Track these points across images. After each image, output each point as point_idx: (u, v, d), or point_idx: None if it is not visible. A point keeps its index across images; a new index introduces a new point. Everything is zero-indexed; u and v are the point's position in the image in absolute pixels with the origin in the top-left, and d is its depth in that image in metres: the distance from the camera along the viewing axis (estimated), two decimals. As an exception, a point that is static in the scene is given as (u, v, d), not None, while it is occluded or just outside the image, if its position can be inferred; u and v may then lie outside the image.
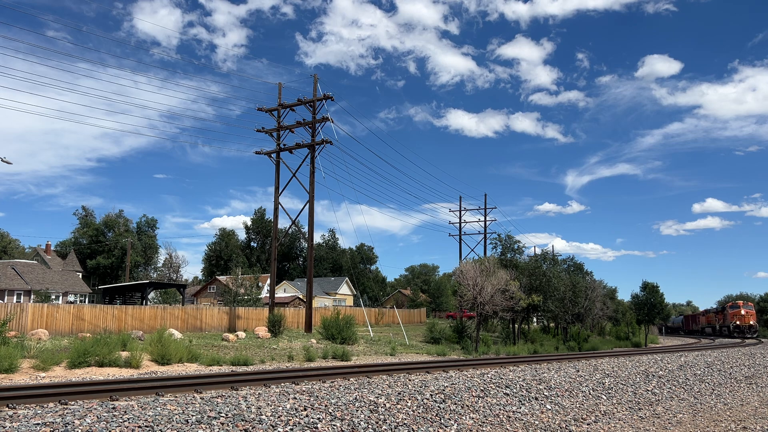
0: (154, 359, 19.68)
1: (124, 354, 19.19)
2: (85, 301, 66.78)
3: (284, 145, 36.94)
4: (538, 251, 58.53)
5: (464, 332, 37.73)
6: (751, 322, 65.61)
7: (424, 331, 41.37)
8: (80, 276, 76.75)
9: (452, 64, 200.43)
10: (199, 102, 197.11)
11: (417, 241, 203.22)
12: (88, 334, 24.82)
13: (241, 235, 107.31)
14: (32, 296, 59.04)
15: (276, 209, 37.71)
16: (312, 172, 35.62)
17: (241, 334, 31.52)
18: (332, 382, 13.29)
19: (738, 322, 65.97)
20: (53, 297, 61.00)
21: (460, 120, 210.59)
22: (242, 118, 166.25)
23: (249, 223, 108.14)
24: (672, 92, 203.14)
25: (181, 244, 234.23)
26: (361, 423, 9.35)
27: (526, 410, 12.16)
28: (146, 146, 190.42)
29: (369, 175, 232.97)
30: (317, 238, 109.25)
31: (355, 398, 10.57)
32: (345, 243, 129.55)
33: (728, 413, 14.64)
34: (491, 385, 13.42)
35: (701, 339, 66.44)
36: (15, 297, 59.02)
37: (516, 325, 42.92)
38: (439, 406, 11.04)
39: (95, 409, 8.61)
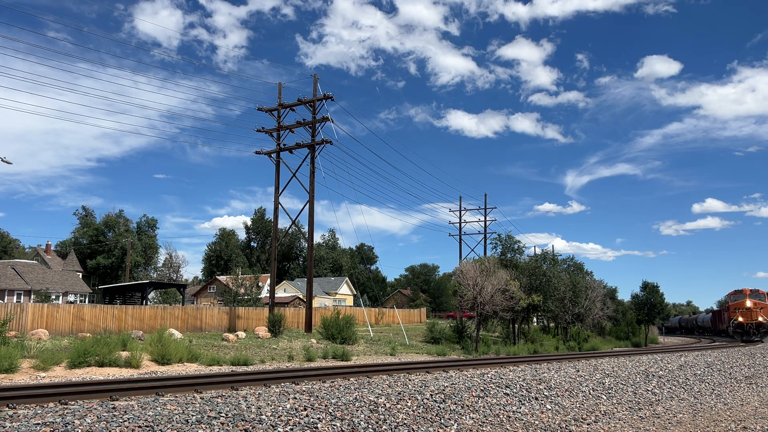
0: (154, 359, 19.67)
1: (124, 354, 19.18)
2: (85, 301, 66.78)
3: (284, 145, 36.94)
4: (538, 251, 58.55)
5: (464, 332, 37.72)
6: (761, 319, 48.24)
7: (424, 331, 41.37)
8: (80, 276, 76.75)
9: (452, 64, 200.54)
10: (199, 102, 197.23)
11: (417, 241, 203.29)
12: (88, 334, 24.81)
13: (241, 235, 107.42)
14: (32, 296, 59.04)
15: (276, 209, 37.71)
16: (312, 172, 35.63)
17: (241, 334, 31.51)
18: (332, 382, 13.29)
19: (741, 319, 49.07)
20: (53, 297, 61.00)
21: (460, 120, 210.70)
22: (242, 118, 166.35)
23: (249, 223, 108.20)
24: (671, 93, 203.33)
25: (181, 244, 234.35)
26: (361, 423, 9.34)
27: (526, 410, 12.16)
28: (146, 146, 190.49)
29: (369, 175, 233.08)
30: (317, 238, 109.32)
31: (355, 398, 10.56)
32: (345, 243, 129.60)
33: (728, 413, 14.64)
34: (491, 385, 13.42)
35: (701, 339, 63.94)
36: (15, 297, 59.02)
37: (516, 325, 42.91)
38: (439, 406, 11.03)
39: (95, 409, 8.60)
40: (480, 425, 10.74)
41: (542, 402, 12.94)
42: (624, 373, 17.61)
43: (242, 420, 8.48)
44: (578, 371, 17.05)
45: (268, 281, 68.13)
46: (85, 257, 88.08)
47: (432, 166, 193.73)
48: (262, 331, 33.26)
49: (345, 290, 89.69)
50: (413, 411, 10.48)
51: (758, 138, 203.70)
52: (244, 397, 10.22)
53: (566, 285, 45.18)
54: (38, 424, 7.51)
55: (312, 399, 10.19)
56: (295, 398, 10.21)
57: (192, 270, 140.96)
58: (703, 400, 16.15)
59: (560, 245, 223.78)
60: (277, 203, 37.51)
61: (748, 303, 49.18)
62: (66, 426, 7.46)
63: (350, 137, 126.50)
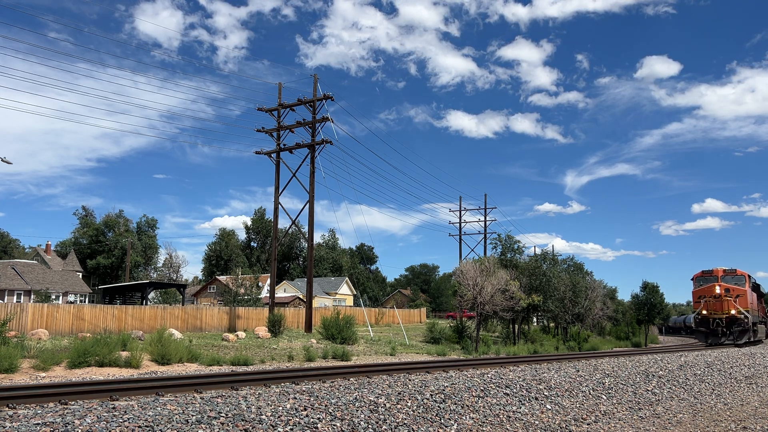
0: (154, 359, 19.67)
1: (124, 354, 19.18)
2: (85, 301, 66.77)
3: (284, 145, 36.95)
4: (538, 251, 58.54)
5: (464, 332, 37.72)
6: (734, 312, 34.78)
7: (424, 331, 41.37)
8: (80, 276, 76.76)
9: (453, 65, 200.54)
10: (199, 102, 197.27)
11: (417, 241, 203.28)
12: (88, 334, 24.81)
13: (241, 235, 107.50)
14: (32, 296, 59.04)
15: (276, 209, 37.70)
16: (312, 172, 35.63)
17: (241, 334, 31.52)
18: (332, 382, 13.28)
19: (705, 312, 35.97)
20: (53, 297, 60.99)
21: (460, 121, 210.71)
22: (242, 118, 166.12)
23: (249, 223, 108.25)
24: (671, 93, 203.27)
25: (181, 244, 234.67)
26: (361, 423, 9.34)
27: (526, 410, 12.15)
28: (146, 146, 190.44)
29: (369, 175, 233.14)
30: (317, 238, 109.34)
31: (355, 398, 10.55)
32: (345, 243, 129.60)
33: (728, 413, 14.64)
34: (491, 385, 13.41)
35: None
36: (15, 297, 59.02)
37: (516, 325, 42.91)
38: (439, 406, 11.03)
39: (95, 409, 8.60)
40: (480, 425, 10.73)
41: (542, 402, 12.94)
42: (624, 373, 17.60)
43: (242, 420, 8.48)
44: (578, 371, 17.05)
45: (268, 281, 68.13)
46: (85, 257, 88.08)
47: (432, 166, 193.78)
48: (262, 331, 33.26)
49: (345, 290, 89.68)
50: (413, 411, 10.48)
51: (758, 138, 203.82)
52: (244, 397, 10.22)
53: (566, 285, 45.17)
54: (38, 424, 7.51)
55: (312, 399, 10.18)
56: (295, 398, 10.20)
57: (192, 270, 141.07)
58: (703, 400, 16.14)
59: (560, 245, 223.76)
60: (277, 203, 37.51)
61: (717, 289, 35.33)
62: (66, 426, 7.46)
63: (350, 137, 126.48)
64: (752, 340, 37.63)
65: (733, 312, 35.07)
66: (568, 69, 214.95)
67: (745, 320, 35.00)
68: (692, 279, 38.59)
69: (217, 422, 8.24)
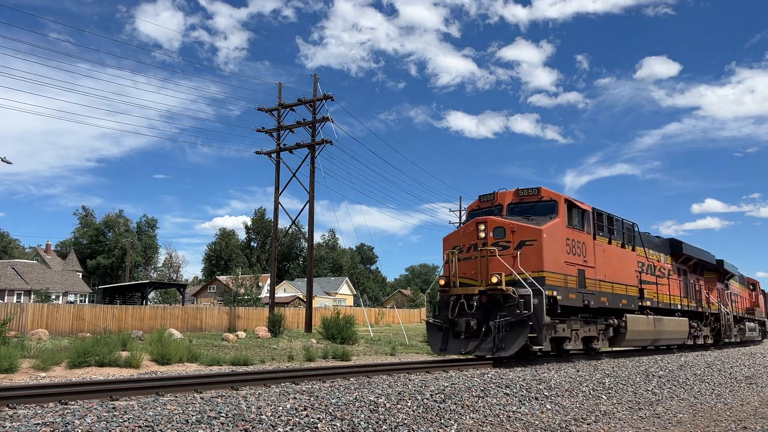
0: (154, 359, 19.68)
1: (124, 354, 19.19)
2: (85, 301, 66.78)
3: (284, 145, 36.95)
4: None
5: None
6: (494, 281, 14.87)
7: (424, 331, 41.35)
8: (80, 276, 76.77)
9: (453, 65, 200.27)
10: (199, 102, 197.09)
11: (417, 241, 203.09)
12: (88, 334, 24.81)
13: (241, 235, 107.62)
14: (32, 296, 59.06)
15: (276, 209, 37.71)
16: (312, 172, 35.64)
17: (241, 334, 31.53)
18: (332, 382, 13.28)
19: (443, 282, 16.65)
20: (53, 297, 61.01)
21: (460, 121, 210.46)
22: (242, 119, 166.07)
23: (249, 223, 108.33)
24: (670, 93, 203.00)
25: (181, 244, 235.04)
26: (361, 423, 9.34)
27: (526, 410, 12.15)
28: (146, 146, 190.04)
29: (369, 175, 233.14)
30: (317, 238, 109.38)
31: (355, 398, 10.55)
32: (345, 243, 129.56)
33: (728, 413, 14.64)
34: (491, 385, 13.40)
35: None
36: (15, 297, 59.04)
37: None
38: (439, 406, 11.03)
39: (95, 409, 8.60)
40: (480, 425, 10.73)
41: (542, 402, 12.93)
42: (624, 373, 17.60)
43: (242, 420, 8.48)
44: (578, 371, 17.05)
45: (268, 281, 68.18)
46: (85, 257, 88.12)
47: (432, 166, 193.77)
48: (262, 331, 33.27)
49: (345, 290, 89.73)
50: (413, 411, 10.48)
51: (757, 138, 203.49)
52: (244, 397, 10.22)
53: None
54: (38, 424, 7.50)
55: (312, 399, 10.18)
56: (295, 398, 10.21)
57: (192, 270, 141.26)
58: (703, 400, 16.15)
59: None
60: (277, 203, 37.51)
61: (481, 230, 15.61)
62: (66, 426, 7.46)
63: (350, 137, 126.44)
64: (567, 349, 17.95)
65: (494, 281, 15.34)
66: (567, 70, 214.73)
67: (525, 299, 15.12)
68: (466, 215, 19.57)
69: (217, 422, 8.24)
